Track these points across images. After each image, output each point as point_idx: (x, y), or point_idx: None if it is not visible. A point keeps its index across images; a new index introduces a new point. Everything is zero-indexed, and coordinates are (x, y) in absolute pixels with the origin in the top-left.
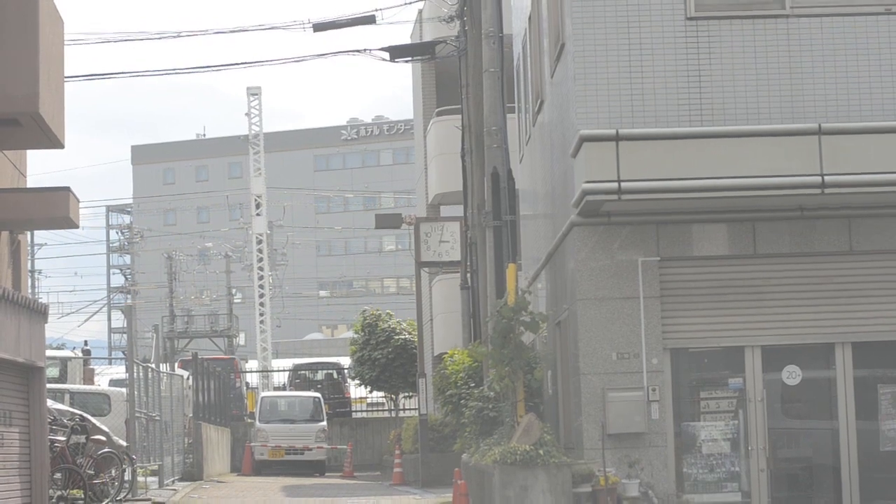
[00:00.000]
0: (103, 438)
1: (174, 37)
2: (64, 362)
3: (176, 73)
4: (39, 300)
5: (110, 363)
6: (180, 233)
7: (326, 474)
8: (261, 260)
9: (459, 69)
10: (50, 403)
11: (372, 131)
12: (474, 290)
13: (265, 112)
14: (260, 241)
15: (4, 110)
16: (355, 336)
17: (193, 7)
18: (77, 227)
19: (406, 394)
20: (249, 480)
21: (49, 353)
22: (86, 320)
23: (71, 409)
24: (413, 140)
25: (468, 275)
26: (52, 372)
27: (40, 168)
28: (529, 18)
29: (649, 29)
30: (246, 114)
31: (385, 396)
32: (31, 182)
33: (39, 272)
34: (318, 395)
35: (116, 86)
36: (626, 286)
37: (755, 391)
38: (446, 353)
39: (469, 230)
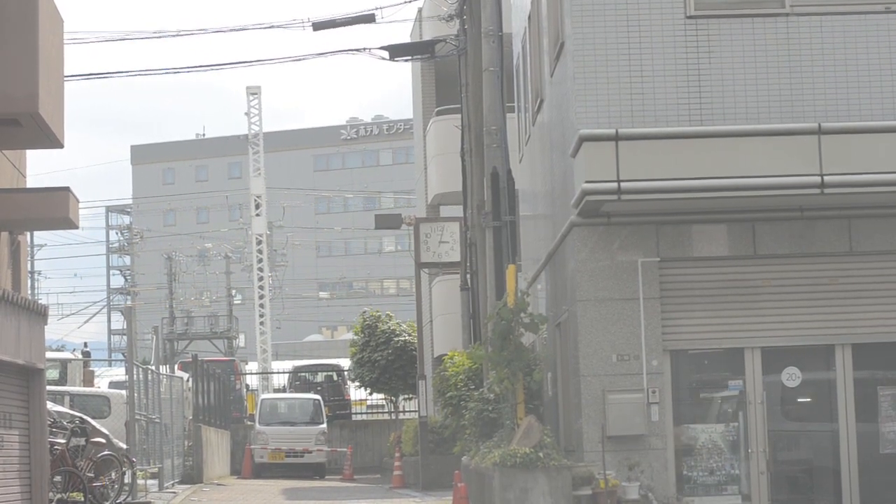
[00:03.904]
0: (103, 441)
1: (173, 36)
2: (64, 364)
3: (175, 73)
4: (39, 301)
5: (110, 365)
6: (180, 233)
7: (326, 477)
8: (260, 261)
9: (459, 68)
10: (50, 406)
11: (371, 131)
12: (474, 292)
13: (265, 111)
14: (259, 242)
15: (4, 110)
16: (355, 338)
17: (193, 6)
18: (77, 227)
19: (406, 396)
20: (249, 483)
21: (49, 354)
22: (85, 322)
23: (71, 412)
24: (413, 140)
25: (468, 276)
26: (52, 374)
27: (40, 168)
28: (529, 17)
29: (649, 28)
30: (245, 113)
31: (385, 398)
32: (31, 182)
33: (39, 273)
34: (317, 397)
35: (116, 85)
36: (626, 287)
37: (755, 393)
38: (446, 354)
39: (469, 231)
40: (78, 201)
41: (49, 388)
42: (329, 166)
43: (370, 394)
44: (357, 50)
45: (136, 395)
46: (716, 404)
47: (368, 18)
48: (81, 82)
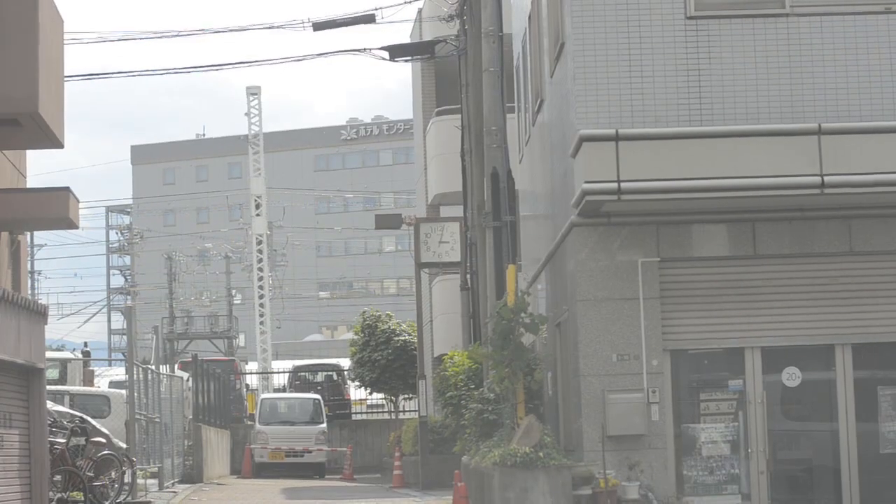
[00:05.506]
0: (103, 440)
1: (174, 36)
2: (64, 364)
3: (176, 73)
4: (39, 301)
5: (110, 365)
6: (180, 233)
7: (326, 476)
8: (260, 261)
9: (459, 68)
10: (50, 405)
11: (372, 131)
12: (474, 291)
13: (265, 112)
14: (260, 242)
15: (4, 110)
16: (355, 337)
17: (193, 6)
18: (77, 227)
19: (406, 395)
20: (249, 483)
21: (49, 354)
22: (85, 321)
23: (71, 411)
24: (413, 140)
25: (468, 276)
26: (52, 374)
27: (40, 168)
28: (529, 17)
29: (649, 28)
30: (245, 114)
31: (385, 398)
32: (31, 182)
33: (39, 273)
34: (317, 396)
35: (116, 85)
36: (626, 287)
37: (755, 393)
38: (446, 354)
39: (469, 231)
40: (78, 201)
41: (49, 387)
42: (329, 166)
43: (370, 393)
44: (357, 50)
45: (136, 394)
46: (716, 404)
47: (369, 19)
48: (82, 82)
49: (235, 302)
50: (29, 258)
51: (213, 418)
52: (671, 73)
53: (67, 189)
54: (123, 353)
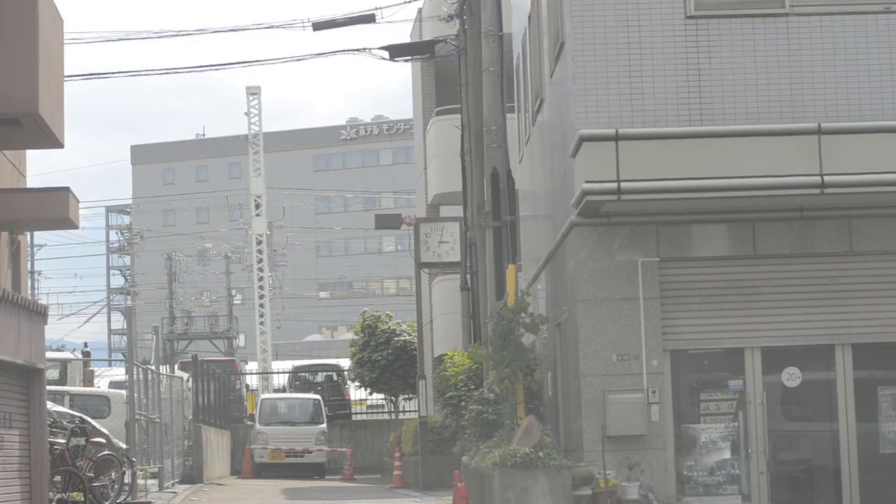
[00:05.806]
0: (103, 441)
1: (173, 35)
2: (64, 364)
3: (176, 73)
4: (39, 301)
5: (110, 365)
6: (180, 233)
7: (326, 477)
8: (260, 261)
9: (459, 68)
10: (50, 405)
11: (371, 131)
12: (474, 292)
13: (265, 111)
14: (259, 242)
15: (4, 110)
16: (355, 338)
17: (193, 6)
18: (77, 227)
19: (406, 396)
20: (249, 483)
21: (49, 354)
22: (85, 322)
23: (71, 412)
24: (413, 140)
25: (468, 276)
26: (52, 374)
27: (40, 168)
28: (529, 17)
29: (649, 28)
30: (245, 113)
31: (385, 398)
32: (31, 182)
33: (39, 273)
34: (317, 397)
35: (116, 85)
36: (626, 287)
37: (755, 393)
38: (446, 354)
39: (469, 231)
40: (78, 201)
41: (49, 387)
42: (329, 166)
43: (370, 394)
44: (357, 50)
45: (136, 394)
46: (716, 404)
47: (368, 18)
48: (81, 82)
49: (235, 302)
50: (29, 258)
51: (214, 418)
52: (671, 73)
53: (67, 189)
54: (123, 354)
